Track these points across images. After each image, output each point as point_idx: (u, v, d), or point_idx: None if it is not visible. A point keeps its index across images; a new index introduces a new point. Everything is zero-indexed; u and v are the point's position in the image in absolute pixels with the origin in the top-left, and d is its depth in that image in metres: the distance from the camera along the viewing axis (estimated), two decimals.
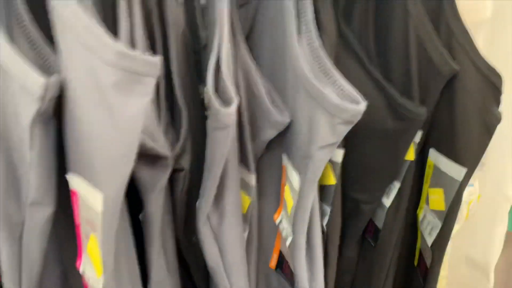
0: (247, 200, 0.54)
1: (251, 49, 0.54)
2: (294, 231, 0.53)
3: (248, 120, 0.51)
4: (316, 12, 0.52)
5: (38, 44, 0.39)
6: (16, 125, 0.37)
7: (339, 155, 0.55)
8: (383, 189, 0.60)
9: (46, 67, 0.40)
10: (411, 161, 0.57)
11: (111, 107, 0.35)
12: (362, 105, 0.44)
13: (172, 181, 0.51)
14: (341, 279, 0.69)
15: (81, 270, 0.43)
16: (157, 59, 0.37)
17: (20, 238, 0.41)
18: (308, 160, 0.48)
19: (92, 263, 0.41)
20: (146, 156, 0.44)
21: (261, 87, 0.49)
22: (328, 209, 0.57)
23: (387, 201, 0.61)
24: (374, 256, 0.65)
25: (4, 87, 0.36)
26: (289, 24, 0.46)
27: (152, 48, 0.50)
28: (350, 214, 0.62)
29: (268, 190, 0.57)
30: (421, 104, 0.54)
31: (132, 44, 0.44)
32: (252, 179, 0.53)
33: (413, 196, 0.62)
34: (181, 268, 0.61)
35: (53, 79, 0.35)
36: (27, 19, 0.38)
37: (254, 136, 0.52)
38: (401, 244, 0.65)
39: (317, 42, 0.46)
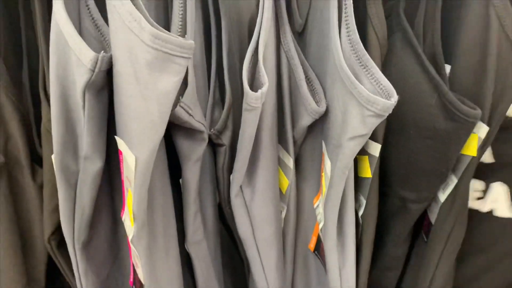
0: (286, 182, 0.57)
1: (305, 36, 0.56)
2: (325, 217, 0.55)
3: (290, 105, 0.54)
4: (366, 5, 0.52)
5: (100, 24, 0.46)
6: (74, 90, 0.44)
7: (376, 149, 0.55)
8: (431, 190, 0.58)
9: (105, 44, 0.47)
10: (473, 157, 0.55)
11: (145, 82, 0.41)
12: (393, 100, 0.45)
13: (215, 154, 0.56)
14: (385, 275, 0.69)
15: (123, 218, 0.50)
16: (190, 42, 0.41)
17: (75, 185, 0.49)
18: (339, 150, 0.50)
19: (129, 214, 0.47)
20: (184, 128, 0.49)
21: (301, 74, 0.52)
22: (364, 201, 0.58)
23: (443, 196, 0.59)
24: (424, 252, 0.63)
25: (67, 57, 0.44)
26: (332, 15, 0.48)
27: (209, 33, 0.55)
28: (398, 212, 0.61)
29: (310, 174, 0.59)
30: (498, 98, 0.52)
31: (184, 29, 0.49)
32: (290, 162, 0.56)
33: None
34: (229, 238, 0.66)
35: (102, 54, 0.42)
36: (91, 1, 0.45)
37: (295, 120, 0.55)
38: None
39: (356, 35, 0.47)
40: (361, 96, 0.46)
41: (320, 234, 0.60)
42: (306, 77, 0.54)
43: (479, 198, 0.63)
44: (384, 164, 0.58)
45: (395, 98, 0.45)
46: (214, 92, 0.55)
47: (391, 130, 0.56)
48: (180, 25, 0.49)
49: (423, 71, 0.53)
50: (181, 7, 0.49)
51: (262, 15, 0.47)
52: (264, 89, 0.45)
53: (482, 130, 0.54)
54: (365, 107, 0.46)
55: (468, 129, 0.52)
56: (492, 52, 0.52)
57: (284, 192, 0.58)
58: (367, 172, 0.56)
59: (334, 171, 0.51)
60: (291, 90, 0.54)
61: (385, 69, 0.55)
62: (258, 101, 0.45)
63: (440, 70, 0.55)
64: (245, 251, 0.57)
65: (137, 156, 0.43)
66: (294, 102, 0.54)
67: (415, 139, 0.55)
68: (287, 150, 0.56)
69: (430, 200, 0.60)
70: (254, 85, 0.49)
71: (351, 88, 0.46)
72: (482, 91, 0.53)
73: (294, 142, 0.55)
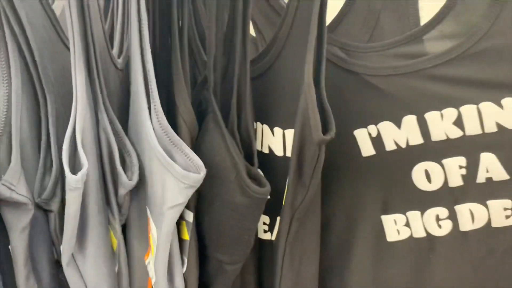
0: (115, 240, 0.63)
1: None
2: (156, 275, 0.62)
3: (111, 176, 0.60)
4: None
5: None
6: None
7: (190, 216, 0.63)
8: (241, 254, 0.67)
9: None
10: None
11: None
12: (201, 174, 0.55)
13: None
14: None
15: None
16: None
17: None
18: (162, 217, 0.58)
19: None
20: (7, 201, 0.54)
21: (114, 148, 0.59)
22: (186, 261, 0.66)
23: None
24: None
25: None
26: (142, 102, 0.55)
27: None
28: (217, 272, 0.69)
29: (138, 233, 0.66)
30: None
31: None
32: (116, 223, 0.62)
33: None
34: None
35: None
36: None
37: (116, 188, 0.61)
38: None
39: (164, 120, 0.55)
40: (176, 173, 0.54)
41: None
42: (125, 151, 0.60)
43: (266, 231, 0.74)
44: (203, 230, 0.66)
45: (203, 171, 0.55)
46: (44, 161, 0.59)
47: (204, 201, 0.64)
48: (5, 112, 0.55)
49: (227, 150, 0.60)
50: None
51: (77, 102, 0.53)
52: (84, 170, 0.52)
53: None
54: (181, 181, 0.55)
55: (258, 204, 0.61)
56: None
57: (115, 250, 0.64)
58: (186, 235, 0.64)
59: (160, 236, 0.59)
60: (111, 162, 0.60)
61: (200, 146, 0.62)
62: (79, 183, 0.52)
63: (251, 146, 0.64)
64: None
65: None
66: (114, 174, 0.61)
67: (221, 210, 0.63)
68: (113, 213, 0.62)
69: (242, 261, 0.68)
70: (76, 164, 0.55)
71: (167, 167, 0.55)
72: None
73: (120, 205, 0.62)
